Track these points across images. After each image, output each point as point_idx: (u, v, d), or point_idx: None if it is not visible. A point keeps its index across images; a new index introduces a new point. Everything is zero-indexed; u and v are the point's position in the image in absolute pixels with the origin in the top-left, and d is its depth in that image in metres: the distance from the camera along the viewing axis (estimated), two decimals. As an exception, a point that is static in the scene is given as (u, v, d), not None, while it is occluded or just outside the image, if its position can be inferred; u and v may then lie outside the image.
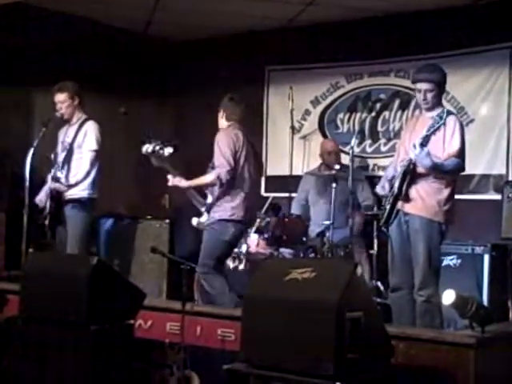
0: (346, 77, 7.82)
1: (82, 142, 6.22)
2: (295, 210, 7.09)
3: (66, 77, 7.41)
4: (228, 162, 5.51)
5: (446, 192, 4.93)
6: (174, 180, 5.70)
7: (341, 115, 7.86)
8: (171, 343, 4.69)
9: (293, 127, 7.73)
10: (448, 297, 4.04)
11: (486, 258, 6.15)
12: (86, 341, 4.17)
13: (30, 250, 5.92)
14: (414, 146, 4.78)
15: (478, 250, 6.19)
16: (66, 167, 6.20)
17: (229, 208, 5.56)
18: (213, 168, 5.60)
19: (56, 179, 6.15)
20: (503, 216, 6.39)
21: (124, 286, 4.50)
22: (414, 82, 5.10)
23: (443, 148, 4.89)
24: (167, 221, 7.40)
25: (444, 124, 4.82)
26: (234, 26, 7.86)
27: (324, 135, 7.89)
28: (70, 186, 6.12)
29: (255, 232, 6.40)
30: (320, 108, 7.98)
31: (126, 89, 7.86)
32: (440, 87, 5.00)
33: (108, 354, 4.24)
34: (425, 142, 4.79)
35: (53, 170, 6.26)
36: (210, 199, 5.68)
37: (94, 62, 7.74)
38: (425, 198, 4.91)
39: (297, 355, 3.45)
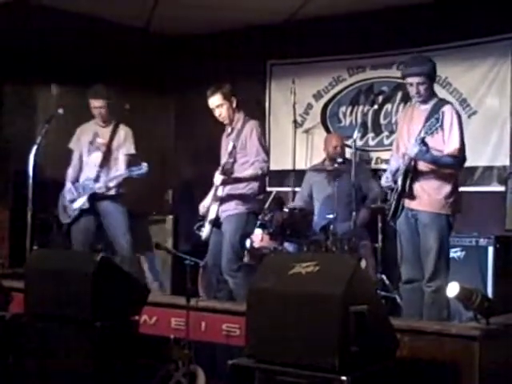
0: (348, 70, 7.80)
1: (121, 144, 6.46)
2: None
3: (68, 74, 7.46)
4: (268, 156, 5.65)
5: (449, 185, 4.95)
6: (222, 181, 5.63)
7: (343, 109, 7.85)
8: (176, 339, 4.69)
9: (295, 121, 7.75)
10: (452, 289, 4.03)
11: (491, 250, 6.14)
12: (91, 337, 4.18)
13: (35, 248, 5.93)
14: (414, 145, 4.79)
15: (482, 242, 6.18)
16: (104, 167, 6.39)
17: (256, 202, 5.62)
18: (234, 160, 5.61)
19: (96, 179, 6.35)
20: (507, 208, 6.38)
21: (128, 282, 4.50)
22: (404, 77, 5.09)
23: (443, 141, 4.89)
24: (171, 216, 7.41)
25: (441, 125, 4.80)
26: (235, 20, 7.84)
27: (326, 129, 7.88)
28: (109, 188, 6.33)
29: (259, 227, 6.40)
30: (322, 102, 7.96)
31: (128, 85, 7.86)
32: (431, 78, 5.00)
33: (113, 350, 4.24)
34: (424, 140, 4.79)
35: (89, 170, 6.42)
36: (220, 191, 5.66)
37: (96, 59, 7.74)
38: (430, 194, 4.93)
39: (301, 349, 3.46)
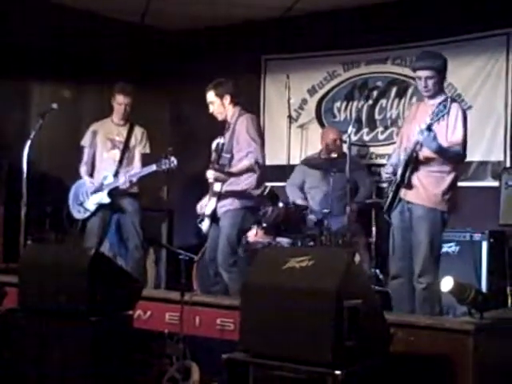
0: (343, 65, 7.81)
1: (138, 144, 6.61)
2: (291, 192, 7.10)
3: (62, 69, 7.44)
4: (261, 147, 5.60)
5: (447, 181, 4.95)
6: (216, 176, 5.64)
7: (338, 104, 7.85)
8: (170, 333, 4.70)
9: (290, 116, 7.73)
10: (446, 284, 4.04)
11: (485, 244, 6.16)
12: (86, 332, 4.17)
13: (29, 242, 5.92)
14: (422, 131, 4.77)
15: (477, 237, 6.20)
16: (122, 164, 6.52)
17: (253, 197, 5.60)
18: (231, 156, 5.62)
19: (116, 174, 6.45)
20: (501, 203, 6.40)
21: (122, 276, 4.50)
22: (414, 70, 5.09)
23: (446, 136, 4.89)
24: (165, 211, 7.40)
25: (447, 112, 4.80)
26: (230, 15, 7.84)
27: (321, 124, 7.88)
28: (132, 184, 6.42)
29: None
30: (317, 97, 7.96)
31: (123, 80, 7.84)
32: (440, 74, 4.98)
33: (107, 344, 4.23)
34: (431, 127, 4.78)
35: (106, 166, 6.51)
36: (217, 187, 5.67)
37: (90, 54, 7.74)
38: (427, 188, 4.92)
39: (295, 344, 3.46)
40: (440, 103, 4.85)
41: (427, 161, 4.92)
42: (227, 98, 5.73)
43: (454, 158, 4.93)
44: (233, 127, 5.70)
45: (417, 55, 5.30)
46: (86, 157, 6.62)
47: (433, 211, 4.93)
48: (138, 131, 6.62)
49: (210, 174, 5.61)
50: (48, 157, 7.51)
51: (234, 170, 5.62)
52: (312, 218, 6.62)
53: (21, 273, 4.63)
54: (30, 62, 7.38)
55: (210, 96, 5.78)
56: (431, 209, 4.93)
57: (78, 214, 6.52)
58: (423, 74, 4.95)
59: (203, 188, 5.88)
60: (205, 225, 5.74)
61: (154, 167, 6.14)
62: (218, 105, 5.75)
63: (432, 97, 5.01)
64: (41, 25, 7.35)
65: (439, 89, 5.02)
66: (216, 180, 5.62)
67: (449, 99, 4.90)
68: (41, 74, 7.62)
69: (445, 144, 4.87)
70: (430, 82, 4.95)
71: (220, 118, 5.81)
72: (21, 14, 7.20)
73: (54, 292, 4.31)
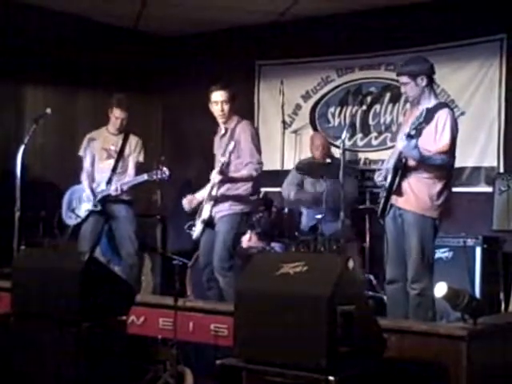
0: (337, 71, 7.82)
1: (132, 152, 6.59)
2: (287, 189, 7.07)
3: (56, 74, 7.43)
4: (261, 158, 5.55)
5: (438, 187, 4.90)
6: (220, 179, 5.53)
7: (332, 109, 7.86)
8: (164, 339, 4.69)
9: (284, 122, 7.75)
10: (440, 289, 4.04)
11: (478, 250, 6.18)
12: (79, 337, 4.16)
13: (22, 247, 5.91)
14: (401, 140, 4.77)
15: (470, 242, 6.21)
16: (116, 172, 6.51)
17: (250, 202, 5.59)
18: (228, 162, 5.57)
19: (109, 182, 6.45)
20: (494, 208, 6.42)
21: (116, 282, 4.49)
22: (397, 76, 5.10)
23: (434, 141, 4.87)
24: (159, 217, 7.39)
25: (426, 122, 4.76)
26: (224, 20, 7.85)
27: (315, 129, 7.89)
28: (123, 191, 6.39)
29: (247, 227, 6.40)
30: (311, 102, 7.98)
31: (117, 84, 7.86)
32: (415, 79, 4.89)
33: (101, 350, 4.22)
34: (412, 135, 4.75)
35: (101, 174, 6.52)
36: (214, 191, 5.62)
37: (83, 59, 7.74)
38: (417, 194, 4.89)
39: (289, 349, 3.45)
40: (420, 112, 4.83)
41: (416, 167, 4.88)
42: (235, 102, 5.64)
43: (439, 165, 4.86)
44: (231, 133, 5.60)
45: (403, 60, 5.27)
46: (85, 163, 6.61)
47: (423, 218, 4.89)
48: (132, 140, 6.62)
49: (216, 176, 5.49)
50: (42, 161, 7.51)
51: (237, 175, 5.54)
52: (306, 223, 6.63)
53: (14, 277, 4.62)
54: (23, 66, 7.38)
55: (223, 95, 5.57)
56: (421, 215, 4.89)
57: (70, 220, 6.53)
58: (400, 79, 4.96)
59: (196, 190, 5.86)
60: (196, 231, 5.66)
61: (145, 177, 6.19)
62: (230, 107, 5.59)
63: (418, 102, 4.96)
64: (35, 29, 7.35)
65: (424, 94, 4.94)
66: (219, 183, 5.53)
67: (425, 110, 4.79)
68: (35, 79, 7.62)
69: (432, 149, 4.85)
70: (407, 87, 4.93)
71: (223, 119, 5.62)
72: (15, 19, 7.20)
73: (48, 297, 4.30)
